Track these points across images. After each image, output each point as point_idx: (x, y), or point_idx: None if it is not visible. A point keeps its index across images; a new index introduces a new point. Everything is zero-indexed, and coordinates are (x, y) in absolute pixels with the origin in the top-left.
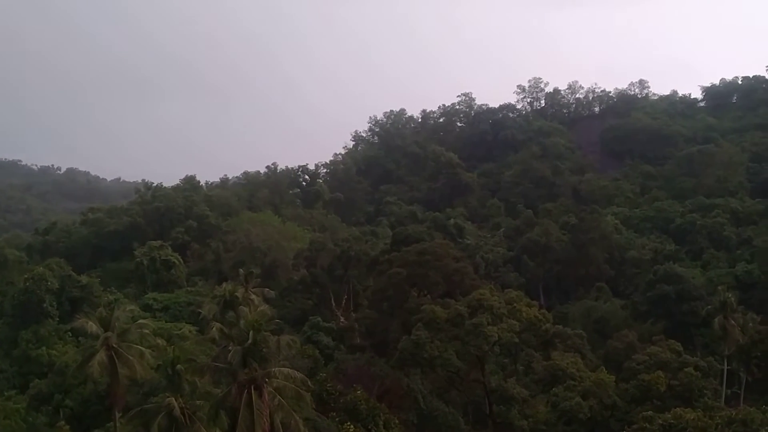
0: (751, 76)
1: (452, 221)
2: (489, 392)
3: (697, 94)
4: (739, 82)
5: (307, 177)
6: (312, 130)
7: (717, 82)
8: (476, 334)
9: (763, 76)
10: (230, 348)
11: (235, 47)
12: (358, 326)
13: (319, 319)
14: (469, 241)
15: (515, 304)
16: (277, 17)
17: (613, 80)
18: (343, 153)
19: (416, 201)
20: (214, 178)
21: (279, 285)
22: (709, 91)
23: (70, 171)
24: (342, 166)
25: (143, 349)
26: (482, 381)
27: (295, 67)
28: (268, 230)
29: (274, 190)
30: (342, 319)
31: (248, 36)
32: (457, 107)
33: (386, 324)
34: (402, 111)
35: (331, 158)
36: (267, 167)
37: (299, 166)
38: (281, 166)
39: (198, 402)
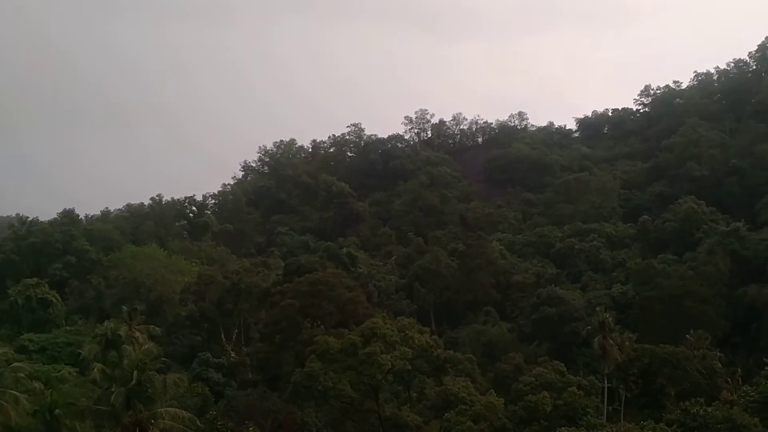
0: (620, 109)
1: (345, 250)
2: (383, 421)
3: (571, 125)
4: (610, 114)
5: (194, 208)
6: (199, 161)
7: (589, 114)
8: (370, 363)
9: (631, 108)
10: (113, 389)
11: (117, 75)
12: (249, 361)
13: (209, 355)
14: (361, 270)
15: (407, 332)
16: (161, 47)
17: (494, 112)
18: (232, 183)
19: (308, 231)
20: (95, 210)
21: (165, 321)
22: (583, 123)
23: None
24: (231, 197)
25: (18, 394)
26: (376, 410)
27: (181, 96)
28: (153, 264)
29: (159, 223)
30: (233, 354)
31: (131, 64)
32: (347, 137)
33: (279, 357)
34: (292, 141)
35: (220, 189)
36: (151, 199)
37: (186, 197)
38: (167, 197)
39: None
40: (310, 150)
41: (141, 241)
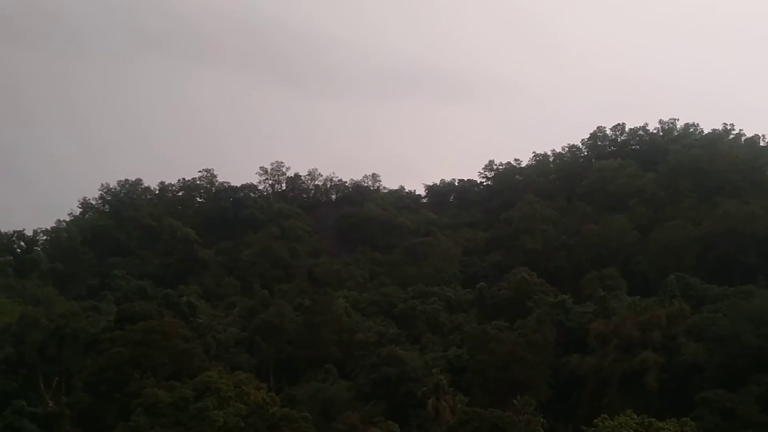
0: (466, 180)
1: (185, 299)
2: None
3: (421, 191)
4: (456, 184)
5: (23, 243)
6: (34, 196)
7: (438, 181)
8: (201, 419)
9: (476, 180)
10: None
11: None
12: (69, 412)
13: (24, 403)
14: (201, 321)
15: (244, 387)
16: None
17: (349, 171)
18: (67, 220)
19: (147, 276)
20: None
21: None
22: (431, 190)
23: None
24: (65, 234)
25: None
26: None
27: (13, 123)
28: None
29: None
30: (51, 404)
31: None
32: (198, 182)
33: (102, 409)
34: (138, 181)
35: (54, 225)
36: None
37: (14, 231)
38: None
39: None
40: (157, 192)
41: None
